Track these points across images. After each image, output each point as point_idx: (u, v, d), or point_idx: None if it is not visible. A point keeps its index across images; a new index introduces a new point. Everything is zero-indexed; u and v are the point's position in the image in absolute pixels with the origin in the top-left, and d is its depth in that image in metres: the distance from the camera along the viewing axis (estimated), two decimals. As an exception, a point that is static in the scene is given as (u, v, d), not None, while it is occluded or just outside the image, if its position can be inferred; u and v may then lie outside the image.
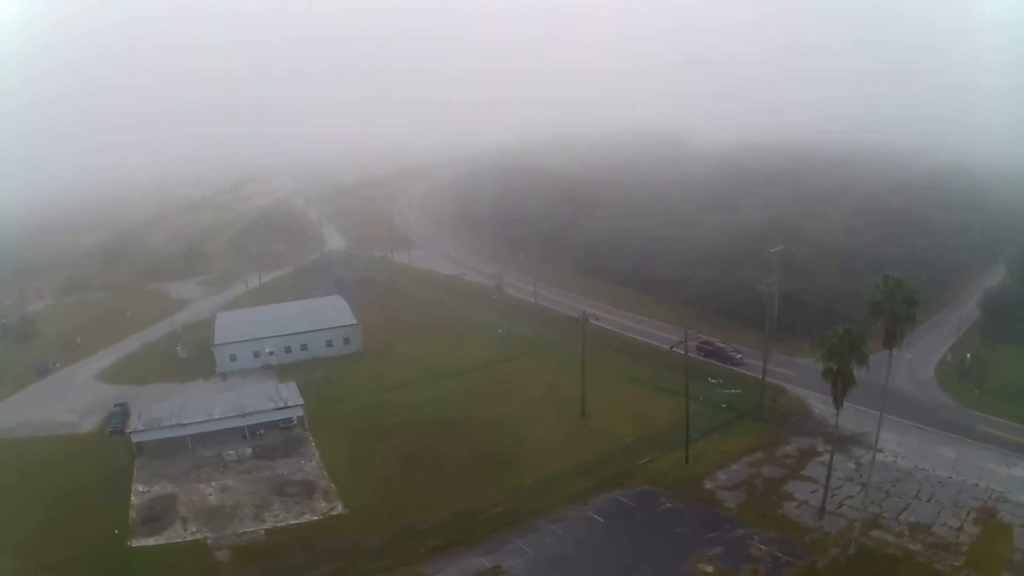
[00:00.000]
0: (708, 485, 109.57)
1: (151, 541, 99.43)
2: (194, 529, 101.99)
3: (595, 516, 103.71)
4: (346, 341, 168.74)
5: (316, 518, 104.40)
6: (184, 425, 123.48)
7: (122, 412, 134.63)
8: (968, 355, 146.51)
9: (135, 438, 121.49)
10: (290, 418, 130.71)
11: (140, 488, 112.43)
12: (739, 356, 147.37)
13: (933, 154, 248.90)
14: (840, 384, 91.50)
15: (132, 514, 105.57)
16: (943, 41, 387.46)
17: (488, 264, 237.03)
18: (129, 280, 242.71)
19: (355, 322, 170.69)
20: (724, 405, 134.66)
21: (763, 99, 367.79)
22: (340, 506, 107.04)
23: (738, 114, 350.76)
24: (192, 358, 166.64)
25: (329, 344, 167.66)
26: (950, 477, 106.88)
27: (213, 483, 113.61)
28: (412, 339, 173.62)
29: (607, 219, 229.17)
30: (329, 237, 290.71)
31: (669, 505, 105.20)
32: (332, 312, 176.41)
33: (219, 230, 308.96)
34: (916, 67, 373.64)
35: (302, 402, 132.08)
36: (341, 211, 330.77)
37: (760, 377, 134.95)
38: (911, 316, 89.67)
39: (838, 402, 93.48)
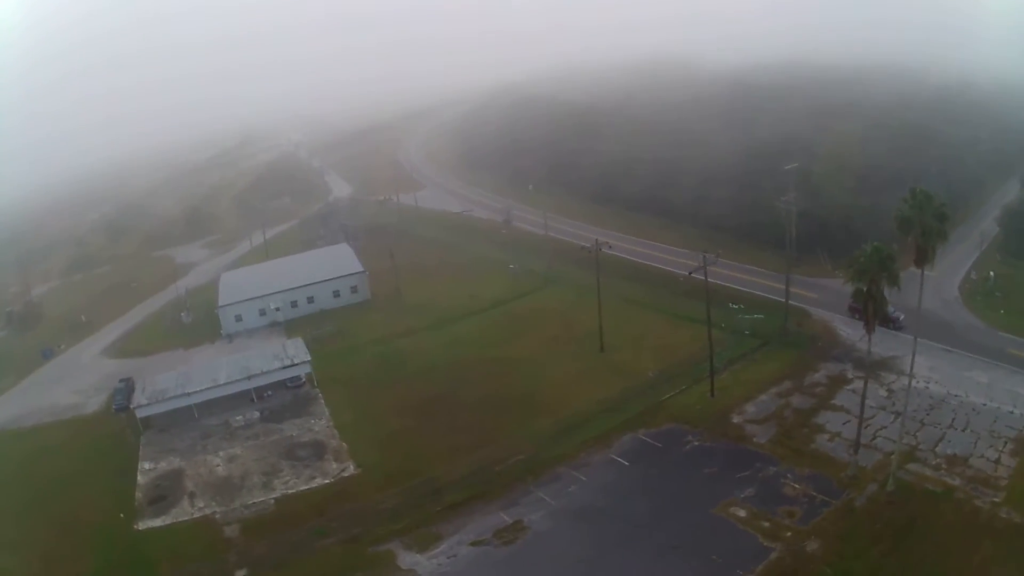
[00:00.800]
0: (736, 419, 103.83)
1: (158, 522, 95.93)
2: (202, 505, 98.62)
3: (619, 460, 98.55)
4: (353, 290, 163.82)
5: (327, 481, 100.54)
6: (188, 395, 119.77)
7: (127, 388, 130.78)
8: (991, 273, 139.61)
9: (139, 413, 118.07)
10: (298, 376, 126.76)
11: (146, 466, 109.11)
12: (901, 318, 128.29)
13: (941, 71, 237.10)
14: (871, 307, 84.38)
15: (138, 495, 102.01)
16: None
17: (497, 199, 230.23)
18: (134, 250, 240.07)
19: (361, 269, 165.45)
20: (747, 332, 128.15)
21: (769, 22, 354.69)
22: (352, 466, 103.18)
23: (745, 36, 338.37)
24: (198, 322, 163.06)
25: (336, 294, 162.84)
26: (984, 404, 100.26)
27: (220, 453, 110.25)
28: (422, 282, 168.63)
29: (616, 145, 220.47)
30: (334, 185, 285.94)
31: (696, 443, 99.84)
32: (338, 261, 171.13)
33: (224, 189, 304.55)
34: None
35: (309, 358, 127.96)
36: (346, 158, 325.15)
37: (783, 301, 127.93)
38: (942, 232, 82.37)
39: (870, 326, 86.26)
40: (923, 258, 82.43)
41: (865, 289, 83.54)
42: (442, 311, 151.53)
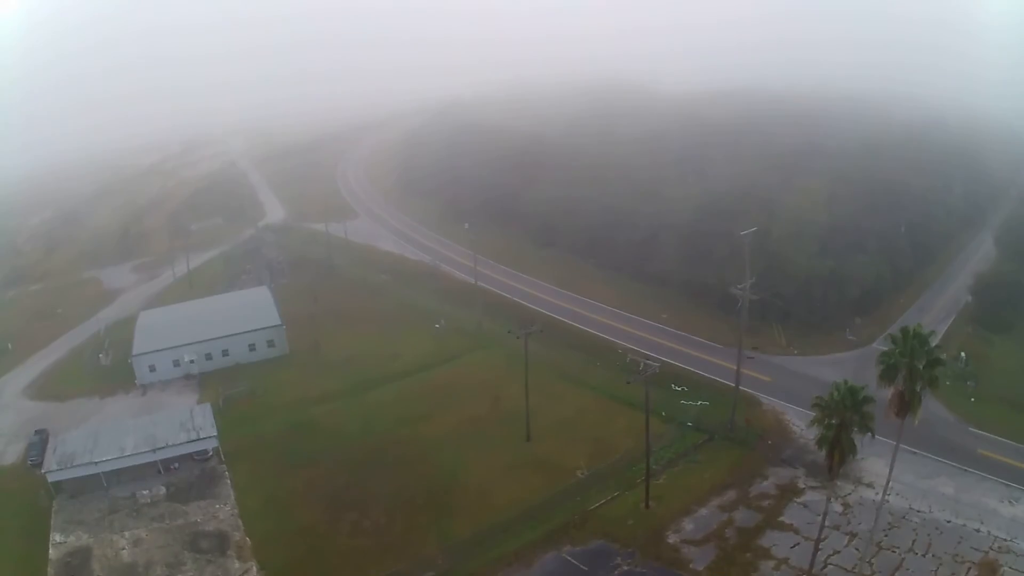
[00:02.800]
0: (672, 538, 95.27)
1: None
2: None
3: None
4: (270, 343, 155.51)
5: None
6: (96, 463, 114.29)
7: (41, 442, 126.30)
8: (963, 354, 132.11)
9: (50, 477, 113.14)
10: (205, 449, 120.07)
11: (57, 538, 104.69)
12: None
13: (906, 104, 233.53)
14: (838, 455, 76.11)
15: (51, 572, 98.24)
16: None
17: (432, 236, 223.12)
18: (67, 267, 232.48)
19: (279, 323, 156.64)
20: (690, 423, 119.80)
21: (725, 44, 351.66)
22: (254, 569, 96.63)
23: (704, 64, 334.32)
24: (115, 364, 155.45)
25: (252, 348, 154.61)
26: (948, 521, 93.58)
27: (126, 533, 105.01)
28: (344, 333, 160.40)
29: (561, 183, 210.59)
30: (268, 206, 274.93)
31: (626, 568, 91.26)
32: (256, 309, 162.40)
33: (160, 203, 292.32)
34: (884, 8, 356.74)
35: (215, 432, 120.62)
36: (285, 174, 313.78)
37: (732, 385, 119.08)
38: (935, 380, 75.03)
39: (833, 472, 78.61)
40: (907, 410, 74.70)
41: (832, 435, 75.19)
42: (361, 373, 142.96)
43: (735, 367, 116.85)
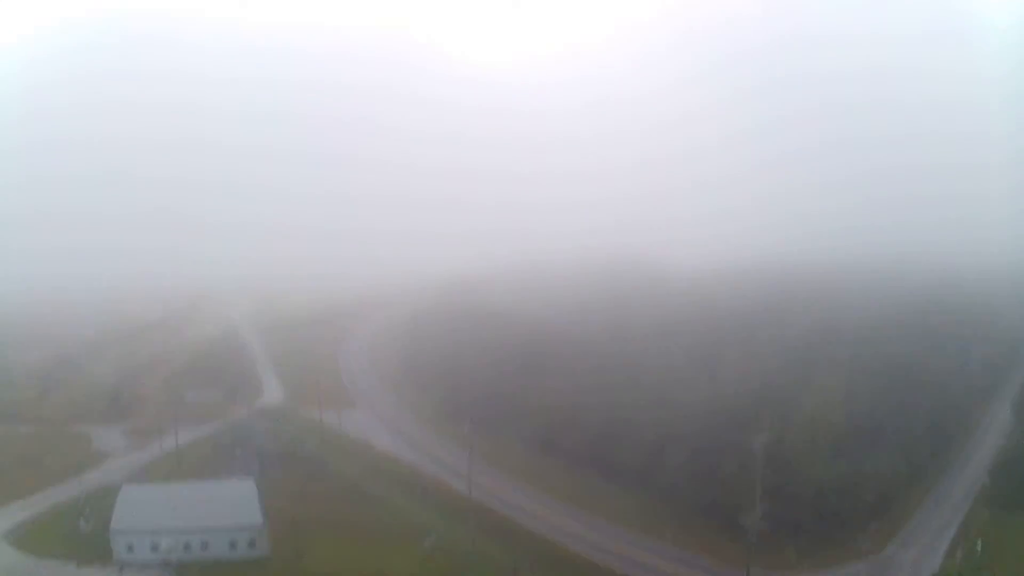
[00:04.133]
0: None
1: None
2: None
3: None
4: (250, 544, 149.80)
5: None
6: None
7: None
8: (979, 544, 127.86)
9: None
10: None
11: None
12: None
13: (921, 263, 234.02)
14: None
15: None
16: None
17: (430, 435, 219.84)
18: (59, 416, 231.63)
19: (261, 523, 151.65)
20: None
21: (737, 221, 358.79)
22: None
23: (712, 240, 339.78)
24: (94, 533, 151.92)
25: (233, 546, 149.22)
26: None
27: None
28: (327, 543, 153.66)
29: (566, 383, 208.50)
30: (267, 384, 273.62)
31: None
32: (240, 505, 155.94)
33: (159, 364, 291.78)
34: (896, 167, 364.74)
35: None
36: (287, 347, 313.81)
37: None
38: None
39: None
40: None
41: None
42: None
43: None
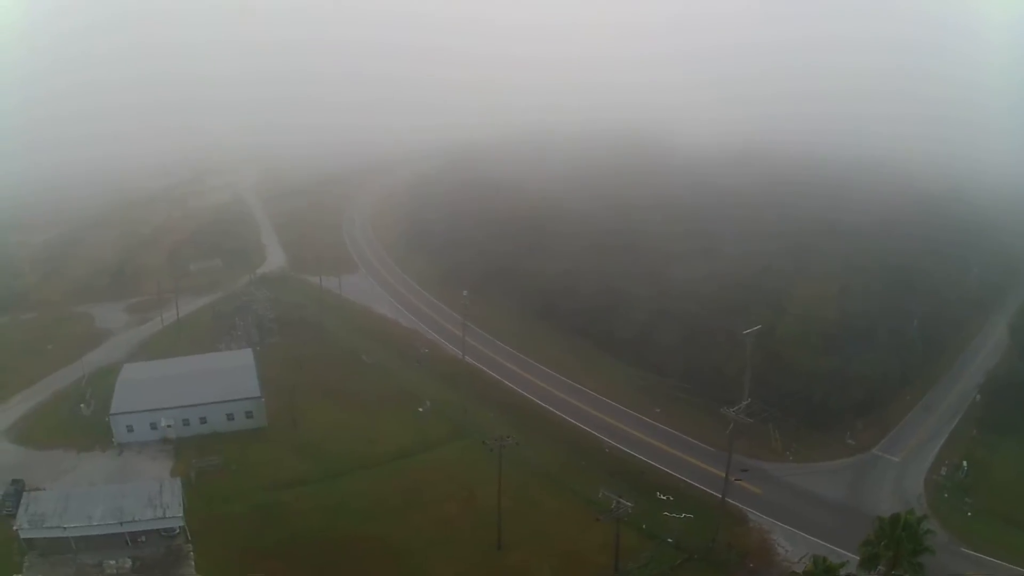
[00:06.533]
0: None
1: None
2: None
3: None
4: (248, 415, 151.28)
5: None
6: (64, 528, 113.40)
7: (16, 492, 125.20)
8: (964, 464, 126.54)
9: (21, 534, 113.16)
10: (172, 528, 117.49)
11: None
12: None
13: (926, 172, 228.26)
14: None
15: None
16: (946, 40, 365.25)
17: (429, 300, 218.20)
18: (62, 298, 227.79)
19: (258, 395, 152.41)
20: (670, 540, 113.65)
21: (750, 102, 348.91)
22: None
23: (722, 119, 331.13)
24: (96, 416, 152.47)
25: (230, 417, 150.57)
26: None
27: None
28: (324, 409, 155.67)
29: (565, 253, 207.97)
30: (270, 250, 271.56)
31: None
32: (238, 377, 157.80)
33: (163, 235, 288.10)
34: (917, 68, 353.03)
35: (181, 513, 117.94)
36: (291, 215, 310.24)
37: (719, 496, 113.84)
38: (918, 568, 71.08)
39: None
40: None
41: None
42: (336, 458, 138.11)
43: (724, 475, 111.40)
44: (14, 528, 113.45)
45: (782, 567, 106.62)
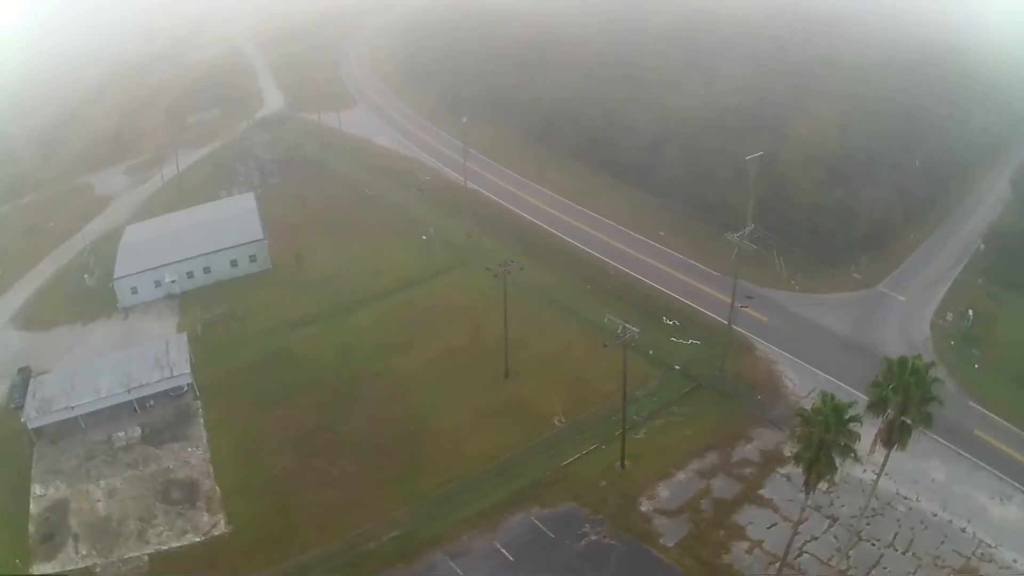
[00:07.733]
0: (645, 506, 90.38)
1: (48, 568, 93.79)
2: (84, 552, 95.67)
3: (503, 551, 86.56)
4: (252, 259, 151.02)
5: (197, 539, 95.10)
6: (72, 408, 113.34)
7: (23, 382, 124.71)
8: (970, 312, 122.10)
9: (30, 424, 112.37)
10: (180, 386, 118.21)
11: (38, 490, 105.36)
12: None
13: (924, 21, 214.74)
14: (815, 473, 70.69)
15: (31, 528, 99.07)
16: None
17: (429, 128, 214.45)
18: (62, 174, 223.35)
19: (261, 237, 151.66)
20: (678, 367, 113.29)
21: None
22: (223, 522, 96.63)
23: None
24: (99, 284, 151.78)
25: (234, 264, 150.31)
26: (935, 515, 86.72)
27: (102, 483, 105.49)
28: (328, 245, 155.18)
29: (564, 79, 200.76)
30: (268, 94, 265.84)
31: (594, 537, 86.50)
32: (240, 222, 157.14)
33: (160, 93, 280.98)
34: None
35: (189, 369, 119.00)
36: (288, 58, 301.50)
37: (725, 322, 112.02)
38: (928, 418, 69.04)
39: (809, 488, 73.53)
40: (893, 440, 69.60)
41: (811, 455, 69.26)
42: (342, 293, 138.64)
43: (730, 301, 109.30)
44: (22, 420, 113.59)
45: (790, 400, 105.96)
